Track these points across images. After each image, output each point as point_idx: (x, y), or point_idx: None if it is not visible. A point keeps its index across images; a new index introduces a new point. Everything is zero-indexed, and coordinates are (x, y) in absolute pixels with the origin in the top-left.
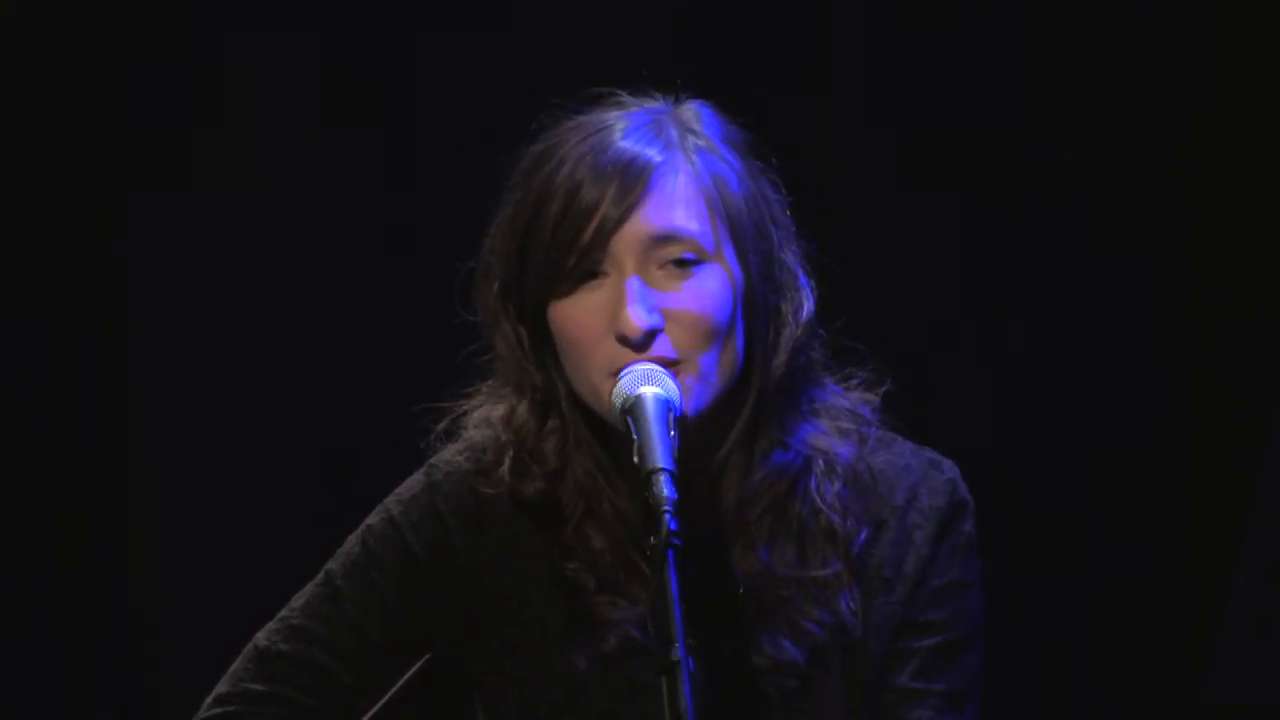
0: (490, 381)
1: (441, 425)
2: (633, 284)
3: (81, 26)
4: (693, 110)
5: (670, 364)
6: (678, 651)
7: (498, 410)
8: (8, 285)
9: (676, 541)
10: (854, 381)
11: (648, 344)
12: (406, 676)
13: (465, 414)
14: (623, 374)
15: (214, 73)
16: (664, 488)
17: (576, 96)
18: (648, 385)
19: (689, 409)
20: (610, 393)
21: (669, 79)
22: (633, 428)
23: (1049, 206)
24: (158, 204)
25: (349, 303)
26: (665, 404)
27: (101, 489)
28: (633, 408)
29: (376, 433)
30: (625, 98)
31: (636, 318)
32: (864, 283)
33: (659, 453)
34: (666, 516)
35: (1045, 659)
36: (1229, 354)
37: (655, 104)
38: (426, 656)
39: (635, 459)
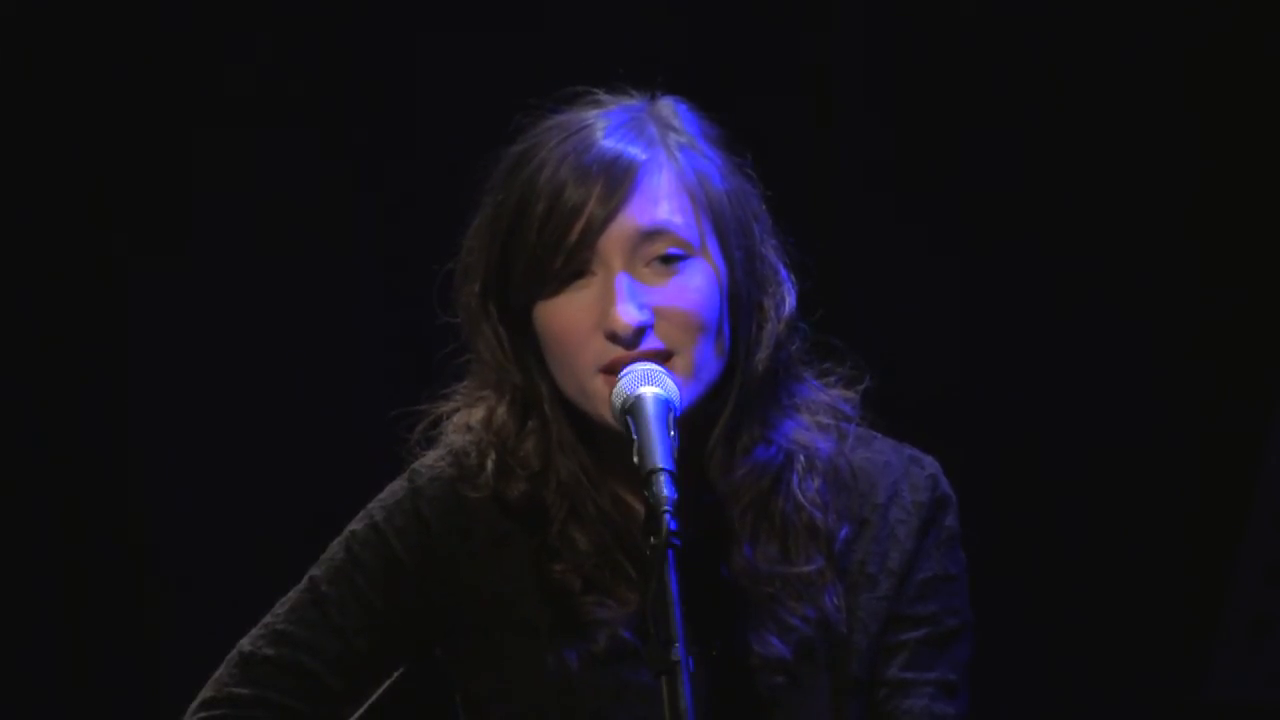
0: (466, 383)
1: (420, 428)
2: (621, 280)
3: (81, 26)
4: (670, 107)
5: (661, 357)
6: (678, 652)
7: (476, 414)
8: (8, 286)
9: (677, 542)
10: (832, 379)
11: (637, 341)
12: (389, 683)
13: (443, 417)
14: (623, 374)
15: (214, 73)
16: (664, 487)
17: (553, 96)
18: (648, 385)
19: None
20: (599, 390)
21: (650, 77)
22: (632, 428)
23: (1048, 205)
24: (156, 204)
25: (349, 303)
26: (665, 404)
27: (100, 491)
28: (633, 408)
29: (375, 435)
30: (602, 96)
31: (626, 315)
32: (862, 279)
33: (659, 453)
34: (667, 516)
35: (1045, 659)
36: (1229, 354)
37: (632, 101)
38: (410, 662)
39: (635, 459)
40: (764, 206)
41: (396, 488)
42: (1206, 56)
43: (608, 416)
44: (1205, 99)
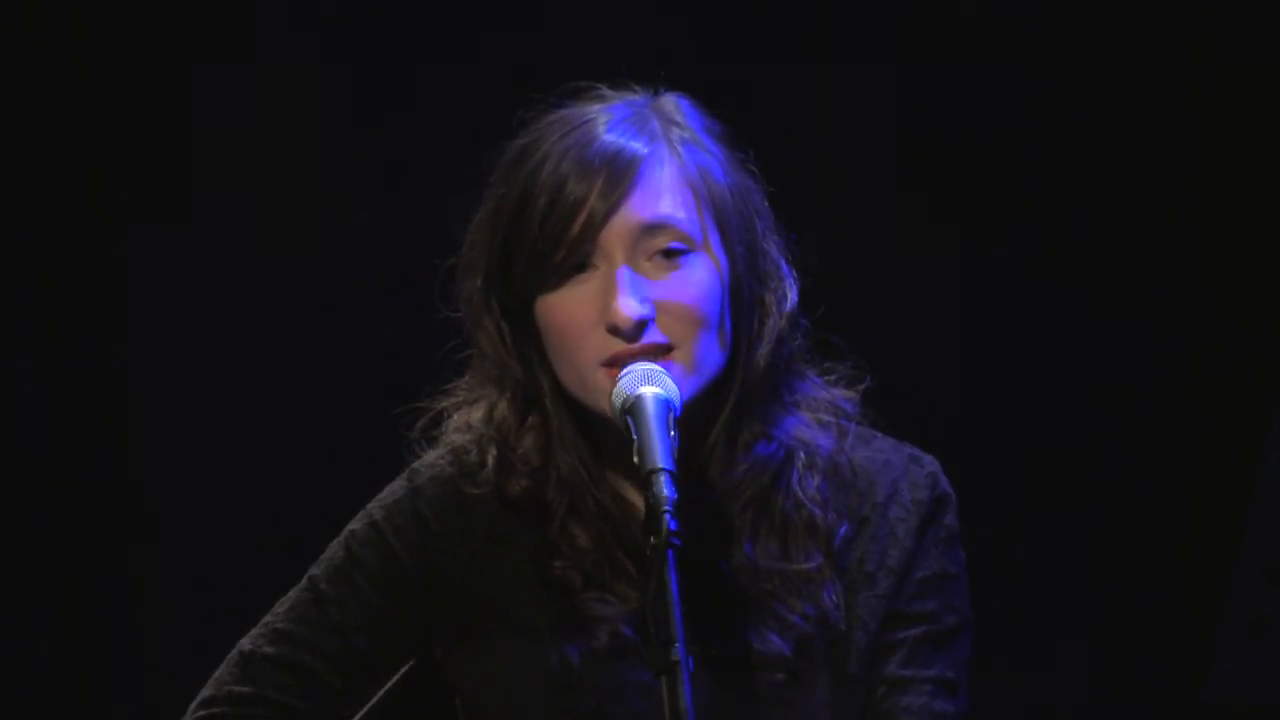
0: (467, 379)
1: (420, 424)
2: (623, 274)
3: (82, 26)
4: (673, 102)
5: (662, 351)
6: (678, 651)
7: (476, 412)
8: (8, 287)
9: (677, 541)
10: (833, 377)
11: (638, 334)
12: (390, 684)
13: (444, 413)
14: (623, 374)
15: (214, 72)
16: (664, 487)
17: (556, 90)
18: (648, 385)
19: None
20: (600, 384)
21: (655, 73)
22: (632, 427)
23: (1048, 204)
24: (157, 200)
25: (350, 300)
26: (665, 404)
27: (99, 490)
28: (633, 408)
29: (375, 435)
30: (605, 91)
31: (627, 308)
32: (862, 277)
33: (659, 453)
34: (667, 516)
35: (1046, 658)
36: (1229, 354)
37: (635, 97)
38: (410, 663)
39: (635, 459)
40: (766, 202)
41: (396, 487)
42: (1207, 56)
43: (609, 410)
44: (1206, 99)
